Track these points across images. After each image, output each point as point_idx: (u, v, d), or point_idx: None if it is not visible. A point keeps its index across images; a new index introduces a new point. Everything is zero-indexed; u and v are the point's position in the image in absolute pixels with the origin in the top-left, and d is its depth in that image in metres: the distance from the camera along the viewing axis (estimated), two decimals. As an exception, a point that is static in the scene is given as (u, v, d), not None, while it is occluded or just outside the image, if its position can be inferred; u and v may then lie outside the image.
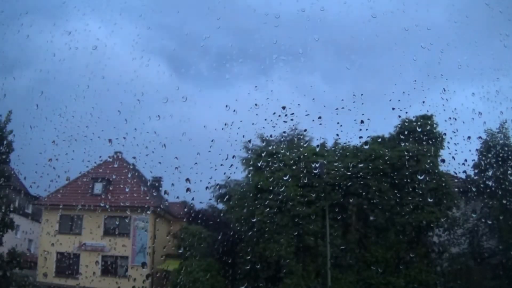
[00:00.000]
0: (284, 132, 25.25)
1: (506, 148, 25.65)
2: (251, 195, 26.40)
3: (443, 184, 24.74)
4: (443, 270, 25.27)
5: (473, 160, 25.98)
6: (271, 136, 28.58)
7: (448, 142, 23.04)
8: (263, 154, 27.06)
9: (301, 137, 29.47)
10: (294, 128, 29.11)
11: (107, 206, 34.65)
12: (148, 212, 35.21)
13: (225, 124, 13.65)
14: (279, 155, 26.67)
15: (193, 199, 31.78)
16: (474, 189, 25.84)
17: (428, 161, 25.00)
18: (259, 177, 26.35)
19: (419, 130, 26.56)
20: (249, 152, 29.93)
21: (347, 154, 27.16)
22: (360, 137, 24.09)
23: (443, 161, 25.78)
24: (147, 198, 36.21)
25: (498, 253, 25.85)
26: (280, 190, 25.20)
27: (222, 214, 30.47)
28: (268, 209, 24.95)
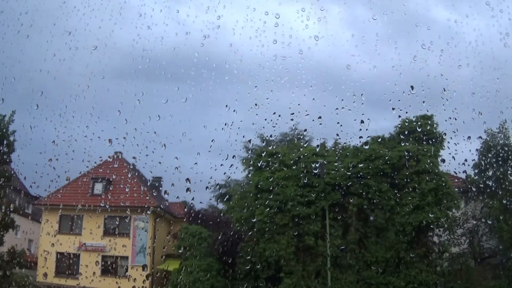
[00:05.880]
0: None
1: (506, 148, 25.67)
2: (251, 195, 26.41)
3: (443, 184, 24.74)
4: (443, 270, 25.24)
5: (473, 160, 25.99)
6: (271, 136, 28.63)
7: (448, 142, 23.06)
8: (263, 154, 27.09)
9: (301, 137, 29.52)
10: (294, 128, 29.21)
11: (107, 206, 34.68)
12: (148, 212, 35.24)
13: (225, 124, 13.64)
14: (279, 155, 26.70)
15: (193, 199, 31.95)
16: (474, 189, 25.86)
17: (428, 161, 24.98)
18: (259, 177, 26.37)
19: (419, 130, 26.54)
20: (249, 152, 30.02)
21: (347, 154, 27.17)
22: (360, 137, 24.05)
23: (443, 161, 25.72)
24: (147, 198, 36.23)
25: (498, 253, 25.90)
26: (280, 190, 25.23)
27: (222, 214, 30.51)
28: (268, 209, 24.97)
